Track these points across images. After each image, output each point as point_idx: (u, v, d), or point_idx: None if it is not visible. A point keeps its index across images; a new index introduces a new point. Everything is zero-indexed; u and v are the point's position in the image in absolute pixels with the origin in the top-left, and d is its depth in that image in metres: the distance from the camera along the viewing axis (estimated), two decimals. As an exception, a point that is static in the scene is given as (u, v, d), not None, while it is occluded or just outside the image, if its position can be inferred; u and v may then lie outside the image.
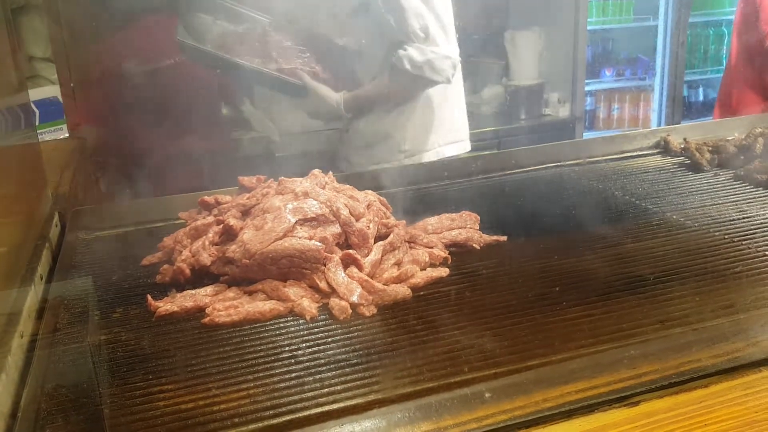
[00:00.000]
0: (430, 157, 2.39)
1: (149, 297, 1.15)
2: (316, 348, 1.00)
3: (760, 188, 1.60)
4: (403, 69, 2.17)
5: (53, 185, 1.72)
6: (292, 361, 0.96)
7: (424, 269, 1.25)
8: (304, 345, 1.01)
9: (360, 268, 1.19)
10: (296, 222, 1.22)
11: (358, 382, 0.89)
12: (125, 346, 1.04)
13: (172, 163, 3.03)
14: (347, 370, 0.93)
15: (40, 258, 1.29)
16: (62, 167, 2.00)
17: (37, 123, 2.63)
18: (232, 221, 1.26)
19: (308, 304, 1.12)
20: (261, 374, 0.93)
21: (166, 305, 1.13)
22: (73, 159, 2.22)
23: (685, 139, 1.93)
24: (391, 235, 1.29)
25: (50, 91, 2.82)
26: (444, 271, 1.24)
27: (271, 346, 1.01)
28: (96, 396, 0.88)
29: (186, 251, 1.28)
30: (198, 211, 1.49)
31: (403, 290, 1.15)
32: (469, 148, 2.53)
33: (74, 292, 1.20)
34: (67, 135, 2.73)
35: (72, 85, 2.66)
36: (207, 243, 1.26)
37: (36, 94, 2.70)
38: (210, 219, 1.35)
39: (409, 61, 2.16)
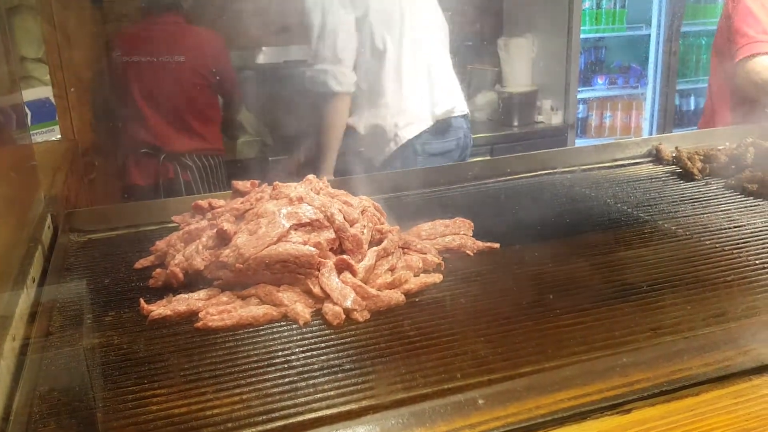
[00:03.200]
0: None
1: (142, 301, 1.15)
2: (310, 353, 1.00)
3: (751, 197, 1.62)
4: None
5: (45, 187, 1.71)
6: (286, 366, 0.96)
7: (418, 275, 1.25)
8: (297, 350, 1.01)
9: (354, 273, 1.19)
10: (290, 227, 1.22)
11: (351, 388, 0.90)
12: (118, 350, 1.03)
13: (163, 165, 3.04)
14: (340, 375, 0.93)
15: (33, 261, 1.28)
16: (55, 169, 1.99)
17: (29, 124, 2.61)
18: (226, 225, 1.26)
19: (302, 309, 1.12)
20: (254, 379, 0.93)
21: (159, 309, 1.13)
22: (65, 161, 2.21)
23: (676, 148, 1.95)
24: (385, 241, 1.29)
25: (42, 92, 2.81)
26: (437, 277, 1.24)
27: (264, 350, 1.01)
28: (89, 400, 0.88)
29: (179, 255, 1.28)
30: (191, 215, 1.48)
31: (396, 296, 1.15)
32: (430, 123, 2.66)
33: (67, 295, 1.20)
34: (59, 136, 2.72)
35: (65, 86, 2.66)
36: (200, 247, 1.26)
37: (28, 95, 2.68)
38: (204, 223, 1.35)
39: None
